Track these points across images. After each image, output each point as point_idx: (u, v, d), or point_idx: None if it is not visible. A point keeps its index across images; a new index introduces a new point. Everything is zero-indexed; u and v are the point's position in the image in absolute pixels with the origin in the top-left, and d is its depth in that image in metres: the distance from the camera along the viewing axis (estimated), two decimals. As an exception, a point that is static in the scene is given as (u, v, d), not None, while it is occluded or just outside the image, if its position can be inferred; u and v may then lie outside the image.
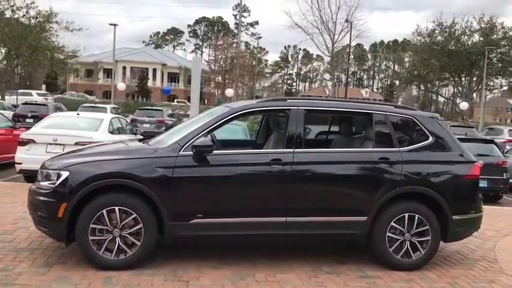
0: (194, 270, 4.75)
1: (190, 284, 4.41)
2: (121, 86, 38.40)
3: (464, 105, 37.52)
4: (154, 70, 76.89)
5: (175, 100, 57.42)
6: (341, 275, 4.91)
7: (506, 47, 41.55)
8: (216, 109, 5.79)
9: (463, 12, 65.77)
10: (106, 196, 4.62)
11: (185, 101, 50.98)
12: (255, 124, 11.98)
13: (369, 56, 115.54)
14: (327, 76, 67.40)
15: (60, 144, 8.97)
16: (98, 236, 4.61)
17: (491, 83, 44.15)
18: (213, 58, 57.95)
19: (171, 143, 4.91)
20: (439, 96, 66.25)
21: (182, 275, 4.61)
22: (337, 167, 5.12)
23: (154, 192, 4.62)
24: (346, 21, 43.26)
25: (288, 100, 5.46)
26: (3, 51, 35.45)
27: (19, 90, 36.99)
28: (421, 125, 5.43)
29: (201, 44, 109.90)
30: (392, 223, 5.09)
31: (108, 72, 68.70)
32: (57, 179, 4.62)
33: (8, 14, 33.92)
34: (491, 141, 11.92)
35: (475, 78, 43.08)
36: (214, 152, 4.83)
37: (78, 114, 11.31)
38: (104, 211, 4.58)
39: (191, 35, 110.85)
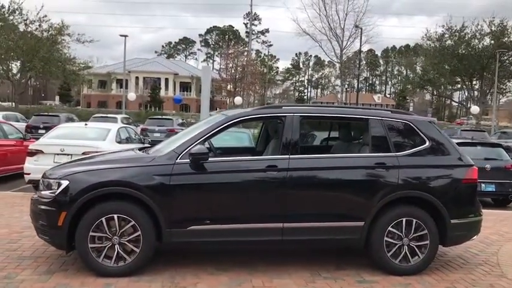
0: (192, 276, 4.81)
1: (187, 290, 4.47)
2: (131, 96, 38.81)
3: (475, 109, 37.14)
4: (167, 80, 77.67)
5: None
6: (339, 280, 4.92)
7: (518, 50, 41.05)
8: (213, 117, 5.89)
9: (479, 15, 64.71)
10: (105, 204, 4.72)
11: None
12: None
13: (381, 61, 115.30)
14: (338, 82, 67.24)
15: (68, 154, 9.09)
16: (98, 243, 4.71)
17: (504, 86, 43.57)
18: (224, 67, 58.16)
19: (168, 151, 5.00)
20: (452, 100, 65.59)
21: (180, 281, 4.67)
22: (333, 173, 5.15)
23: (152, 200, 4.71)
24: (356, 26, 43.16)
25: (284, 107, 5.52)
26: (18, 63, 36.17)
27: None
28: (417, 130, 5.45)
29: (212, 53, 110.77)
30: (390, 228, 5.10)
31: (121, 83, 69.43)
32: (57, 188, 4.74)
33: (21, 27, 34.68)
34: (499, 145, 11.80)
35: (487, 82, 42.60)
36: (210, 159, 4.92)
37: (86, 124, 11.50)
38: (103, 219, 4.68)
39: (202, 44, 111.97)
